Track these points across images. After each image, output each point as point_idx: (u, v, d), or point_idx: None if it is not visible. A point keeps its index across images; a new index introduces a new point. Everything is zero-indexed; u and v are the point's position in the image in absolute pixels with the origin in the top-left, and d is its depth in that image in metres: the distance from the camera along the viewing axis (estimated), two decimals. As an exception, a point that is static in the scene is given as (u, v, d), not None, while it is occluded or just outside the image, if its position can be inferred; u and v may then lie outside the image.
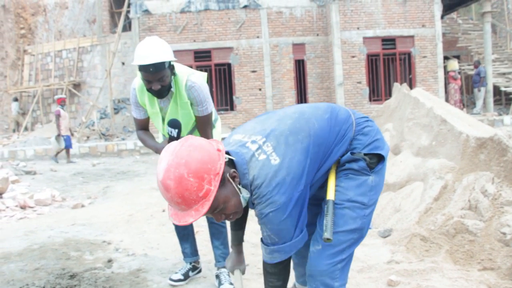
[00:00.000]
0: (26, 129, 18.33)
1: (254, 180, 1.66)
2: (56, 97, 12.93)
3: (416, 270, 3.02)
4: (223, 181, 1.60)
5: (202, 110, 2.74)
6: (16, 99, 19.12)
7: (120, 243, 3.93)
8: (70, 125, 13.39)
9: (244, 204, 1.69)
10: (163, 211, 5.25)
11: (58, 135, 11.84)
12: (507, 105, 17.72)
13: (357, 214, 1.82)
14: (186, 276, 3.04)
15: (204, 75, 2.83)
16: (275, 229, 1.71)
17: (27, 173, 9.41)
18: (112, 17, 19.38)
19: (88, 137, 15.69)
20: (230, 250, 2.43)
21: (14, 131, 19.03)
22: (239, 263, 2.12)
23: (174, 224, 3.10)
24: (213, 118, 2.99)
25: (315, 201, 1.98)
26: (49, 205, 6.29)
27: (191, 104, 2.72)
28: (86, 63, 18.70)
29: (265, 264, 1.85)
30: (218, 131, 3.07)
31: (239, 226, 2.08)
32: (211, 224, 3.02)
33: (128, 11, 15.36)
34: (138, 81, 2.76)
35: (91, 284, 2.96)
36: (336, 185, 1.85)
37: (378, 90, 15.53)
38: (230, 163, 1.68)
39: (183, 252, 3.13)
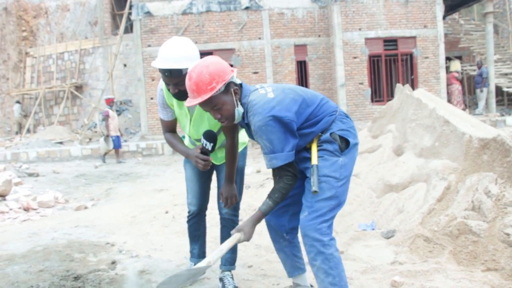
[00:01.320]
0: (28, 131, 18.37)
1: (252, 101, 2.27)
2: (104, 97, 12.93)
3: (420, 271, 3.01)
4: (226, 90, 2.23)
5: None
6: (18, 102, 19.16)
7: (124, 245, 3.94)
8: (120, 125, 13.37)
9: (237, 116, 2.29)
10: (166, 212, 5.26)
11: (107, 136, 11.83)
12: (509, 105, 17.70)
13: (331, 185, 2.31)
14: (190, 278, 3.04)
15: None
16: (267, 139, 2.23)
17: (30, 175, 9.44)
18: (114, 19, 19.42)
19: (90, 139, 15.72)
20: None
21: (16, 133, 19.07)
22: (246, 232, 2.38)
23: (187, 224, 3.09)
24: None
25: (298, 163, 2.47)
26: (52, 207, 6.30)
27: None
28: (88, 65, 18.74)
29: (273, 171, 2.38)
30: (244, 132, 2.99)
31: (274, 201, 2.38)
32: (223, 227, 3.00)
33: (129, 13, 15.39)
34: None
35: (95, 286, 2.97)
36: (317, 165, 2.33)
37: (380, 91, 15.52)
38: (239, 87, 2.31)
39: (191, 252, 3.12)
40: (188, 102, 2.24)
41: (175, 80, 2.45)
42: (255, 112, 2.23)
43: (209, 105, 2.23)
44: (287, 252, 2.67)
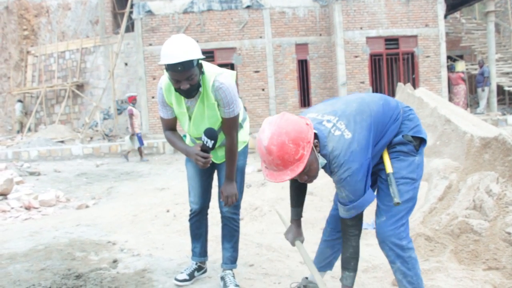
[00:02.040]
0: (29, 130, 18.38)
1: (333, 151, 2.11)
2: (127, 95, 12.87)
3: (421, 269, 3.01)
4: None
5: (229, 112, 2.64)
6: (20, 101, 19.17)
7: (125, 244, 3.94)
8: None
9: (320, 168, 2.14)
10: (168, 211, 5.27)
11: (132, 135, 11.74)
12: (510, 104, 17.68)
13: (409, 187, 2.28)
14: (191, 276, 3.04)
15: (233, 74, 2.74)
16: (351, 189, 2.14)
17: (31, 174, 9.45)
18: (115, 18, 19.42)
19: (91, 138, 15.73)
20: (289, 224, 2.64)
21: (18, 132, 19.09)
22: (299, 235, 2.49)
23: (189, 222, 3.10)
24: (241, 118, 2.90)
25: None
26: (53, 206, 6.31)
27: (218, 105, 2.64)
28: (89, 64, 18.74)
29: (344, 220, 2.30)
30: (245, 131, 2.99)
31: (300, 203, 2.48)
32: (224, 225, 3.00)
33: (131, 12, 15.38)
34: (164, 80, 2.68)
35: (97, 285, 2.97)
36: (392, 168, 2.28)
37: (381, 90, 15.50)
38: (315, 136, 2.13)
39: (192, 251, 3.12)
40: (275, 178, 2.03)
41: (187, 74, 2.43)
42: (340, 163, 2.11)
43: (299, 173, 2.04)
44: (335, 248, 2.65)
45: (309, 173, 2.09)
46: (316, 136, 2.12)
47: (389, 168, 2.28)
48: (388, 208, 2.29)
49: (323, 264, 2.69)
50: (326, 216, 4.82)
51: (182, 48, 2.41)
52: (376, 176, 2.42)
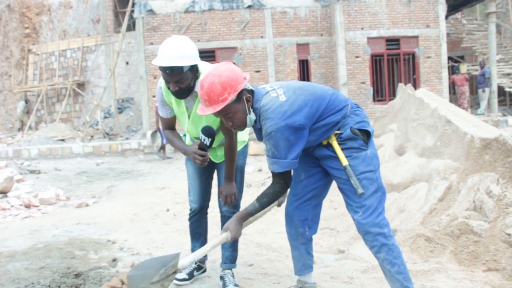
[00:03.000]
0: (30, 128, 18.40)
1: (264, 106, 2.29)
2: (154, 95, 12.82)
3: (421, 270, 3.01)
4: (239, 99, 2.24)
5: None
6: (26, 101, 19.16)
7: (125, 243, 3.94)
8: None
9: (249, 123, 2.31)
10: (167, 210, 5.27)
11: (155, 131, 11.70)
12: (511, 105, 17.66)
13: (371, 179, 2.38)
14: (191, 276, 3.05)
15: None
16: (275, 145, 2.27)
17: (32, 172, 9.45)
18: (116, 17, 19.43)
19: (92, 137, 15.74)
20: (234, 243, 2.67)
21: (18, 130, 19.10)
22: (232, 230, 2.39)
23: (189, 221, 3.10)
24: None
25: (314, 159, 2.55)
26: (53, 204, 6.31)
27: None
28: (90, 62, 18.75)
29: (273, 174, 2.40)
30: (245, 131, 2.96)
31: (261, 204, 2.45)
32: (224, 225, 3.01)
33: (132, 11, 15.39)
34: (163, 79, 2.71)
35: (96, 283, 2.97)
36: (349, 165, 2.37)
37: (382, 90, 15.50)
38: (251, 93, 2.33)
39: (192, 250, 3.12)
40: (201, 111, 2.26)
41: (176, 77, 2.45)
42: (267, 117, 2.26)
43: (221, 114, 2.25)
44: (302, 250, 2.68)
45: (233, 120, 2.27)
46: (252, 93, 2.33)
47: (344, 161, 2.37)
48: (360, 204, 2.37)
49: (299, 267, 2.71)
50: (326, 217, 4.82)
51: (176, 52, 2.43)
52: (316, 166, 2.55)
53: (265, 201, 2.41)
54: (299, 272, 2.72)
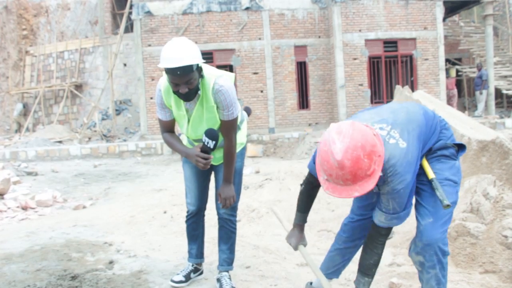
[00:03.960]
0: (27, 130, 18.35)
1: (389, 160, 2.00)
2: None
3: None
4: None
5: (228, 115, 2.64)
6: (24, 106, 19.10)
7: (122, 245, 3.93)
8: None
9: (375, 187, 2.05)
10: (165, 212, 5.26)
11: None
12: (508, 107, 17.71)
13: (453, 189, 2.23)
14: (187, 278, 3.04)
15: (231, 76, 2.74)
16: (400, 201, 2.08)
17: (29, 174, 9.42)
18: (114, 19, 19.42)
19: (89, 138, 15.71)
20: (290, 228, 2.61)
21: (16, 131, 19.05)
22: (302, 240, 2.47)
23: (186, 223, 3.09)
24: (239, 120, 2.90)
25: None
26: (50, 206, 6.29)
27: (217, 107, 2.63)
28: (88, 64, 18.73)
29: (379, 228, 2.25)
30: (243, 133, 2.99)
31: (308, 209, 2.45)
32: (221, 227, 3.00)
33: (130, 13, 15.38)
34: (164, 82, 2.67)
35: (93, 286, 2.96)
36: (432, 168, 2.23)
37: (380, 93, 15.52)
38: None
39: (189, 252, 3.12)
40: (340, 193, 1.90)
41: (186, 78, 2.42)
42: (396, 172, 2.02)
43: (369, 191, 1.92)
44: (346, 257, 2.63)
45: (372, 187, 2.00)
46: None
47: (430, 174, 2.22)
48: (434, 210, 2.21)
49: (330, 271, 2.66)
50: (323, 218, 4.82)
51: (183, 52, 2.41)
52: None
53: (375, 271, 2.34)
54: (328, 275, 2.66)
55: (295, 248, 2.53)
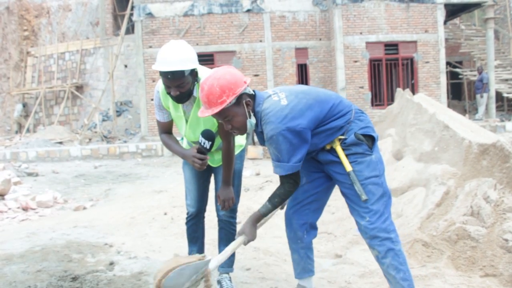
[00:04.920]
0: (28, 130, 18.36)
1: (265, 109, 2.30)
2: None
3: (418, 275, 3.01)
4: (238, 102, 2.27)
5: None
6: (24, 105, 19.12)
7: (122, 246, 3.93)
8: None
9: (249, 127, 2.32)
10: (165, 214, 5.26)
11: None
12: (509, 111, 17.72)
13: (377, 184, 2.38)
14: (187, 280, 3.03)
15: None
16: (278, 148, 2.29)
17: (29, 174, 9.43)
18: (115, 20, 19.44)
19: (90, 139, 15.71)
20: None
21: (16, 132, 19.06)
22: (248, 233, 2.45)
23: (186, 225, 3.09)
24: None
25: (317, 164, 2.56)
26: (51, 207, 6.29)
27: None
28: (89, 65, 18.75)
29: (280, 177, 2.41)
30: (241, 136, 3.02)
31: (273, 205, 2.47)
32: (221, 229, 3.00)
33: (131, 14, 15.40)
34: (161, 84, 2.69)
35: (93, 287, 2.96)
36: (353, 171, 2.37)
37: (381, 95, 15.53)
38: (252, 98, 2.35)
39: (189, 254, 3.12)
40: (201, 113, 2.30)
41: (177, 82, 2.45)
42: (268, 121, 2.28)
43: (220, 116, 2.28)
44: (302, 254, 2.68)
45: (232, 123, 2.30)
46: (253, 97, 2.36)
47: (348, 166, 2.37)
48: (367, 209, 2.37)
49: (299, 271, 2.70)
50: (324, 221, 4.82)
51: (176, 56, 2.43)
52: (320, 171, 2.56)
53: (277, 201, 2.43)
54: (299, 275, 2.72)
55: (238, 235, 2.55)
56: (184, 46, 2.50)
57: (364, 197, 2.34)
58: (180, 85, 2.46)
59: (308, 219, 2.63)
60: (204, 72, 2.65)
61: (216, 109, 2.22)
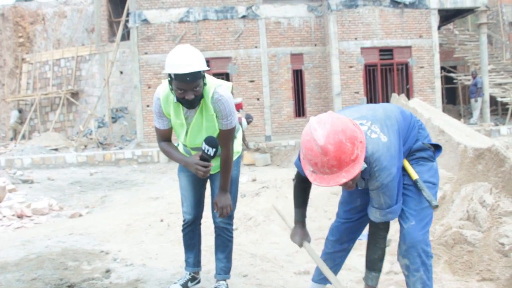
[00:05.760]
0: (23, 137, 18.28)
1: (373, 154, 2.03)
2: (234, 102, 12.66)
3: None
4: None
5: (227, 124, 2.65)
6: (20, 111, 19.03)
7: (118, 253, 3.91)
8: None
9: (358, 177, 2.04)
10: (161, 220, 5.24)
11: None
12: (503, 115, 17.81)
13: (433, 191, 2.27)
14: (185, 287, 3.02)
15: (229, 86, 2.75)
16: (390, 195, 2.11)
17: (24, 181, 9.38)
18: (111, 26, 19.44)
19: (85, 146, 15.66)
20: (293, 226, 2.62)
21: (11, 139, 18.98)
22: (306, 236, 2.48)
23: (182, 232, 3.08)
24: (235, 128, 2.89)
25: None
26: (46, 214, 6.26)
27: (216, 116, 2.63)
28: (84, 72, 18.72)
29: (377, 224, 2.28)
30: (238, 141, 2.99)
31: (304, 204, 2.47)
32: (218, 236, 2.99)
33: (127, 20, 15.41)
34: (163, 90, 2.66)
35: (89, 295, 2.94)
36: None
37: (376, 100, 15.57)
38: None
39: (186, 261, 3.11)
40: (326, 182, 1.90)
41: (195, 84, 2.43)
42: (382, 167, 2.05)
43: (355, 176, 1.93)
44: (336, 261, 2.65)
45: (355, 178, 1.98)
46: None
47: (414, 175, 2.26)
48: (416, 213, 2.26)
49: (322, 277, 2.66)
50: (321, 226, 4.81)
51: (191, 58, 2.42)
52: None
53: (381, 265, 2.37)
54: (320, 281, 2.68)
55: (300, 245, 2.55)
56: (194, 49, 2.51)
57: (434, 203, 2.19)
58: (196, 88, 2.44)
59: (358, 234, 2.64)
60: (207, 78, 2.63)
61: (354, 170, 1.87)
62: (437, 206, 2.20)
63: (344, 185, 1.99)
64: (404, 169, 2.29)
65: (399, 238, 2.36)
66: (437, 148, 2.37)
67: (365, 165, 1.97)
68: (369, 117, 2.15)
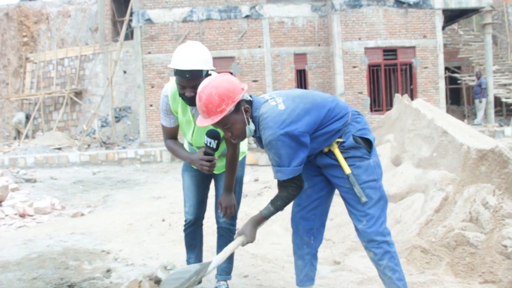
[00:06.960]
0: (27, 136, 18.34)
1: (262, 114, 2.31)
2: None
3: (417, 282, 2.99)
4: (237, 110, 2.26)
5: None
6: (27, 116, 19.07)
7: (119, 253, 3.91)
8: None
9: (248, 133, 2.33)
10: (163, 220, 5.24)
11: None
12: (508, 116, 17.72)
13: (374, 188, 2.41)
14: None
15: None
16: (276, 153, 2.29)
17: (27, 181, 9.41)
18: (115, 26, 19.48)
19: (89, 145, 15.70)
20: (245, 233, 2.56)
21: (15, 138, 19.04)
22: (248, 235, 2.46)
23: (184, 232, 3.07)
24: None
25: (316, 168, 2.57)
26: (48, 214, 6.27)
27: None
28: (88, 71, 18.77)
29: (278, 181, 2.45)
30: (244, 142, 2.97)
31: (276, 208, 2.48)
32: (220, 236, 2.98)
33: (130, 20, 15.43)
34: (171, 87, 2.65)
35: (89, 294, 2.94)
36: (352, 173, 2.39)
37: (379, 101, 15.54)
38: (250, 103, 2.35)
39: (187, 261, 3.10)
40: (200, 122, 2.29)
41: (194, 82, 2.42)
42: (266, 126, 2.28)
43: (220, 125, 2.28)
44: (307, 260, 2.68)
45: (232, 130, 2.30)
46: (251, 103, 2.35)
47: (347, 169, 2.39)
48: (364, 213, 2.41)
49: (301, 279, 2.70)
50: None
51: (195, 56, 2.43)
52: (319, 175, 2.58)
53: (280, 204, 2.45)
54: (301, 283, 2.70)
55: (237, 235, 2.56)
56: (202, 47, 2.51)
57: (363, 199, 2.37)
58: (196, 86, 2.42)
59: (314, 224, 2.65)
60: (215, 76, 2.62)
61: (216, 118, 2.21)
62: (365, 202, 2.38)
63: (225, 134, 2.35)
64: (339, 167, 2.42)
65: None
66: (371, 143, 2.45)
67: (253, 127, 2.33)
68: (283, 94, 2.43)
